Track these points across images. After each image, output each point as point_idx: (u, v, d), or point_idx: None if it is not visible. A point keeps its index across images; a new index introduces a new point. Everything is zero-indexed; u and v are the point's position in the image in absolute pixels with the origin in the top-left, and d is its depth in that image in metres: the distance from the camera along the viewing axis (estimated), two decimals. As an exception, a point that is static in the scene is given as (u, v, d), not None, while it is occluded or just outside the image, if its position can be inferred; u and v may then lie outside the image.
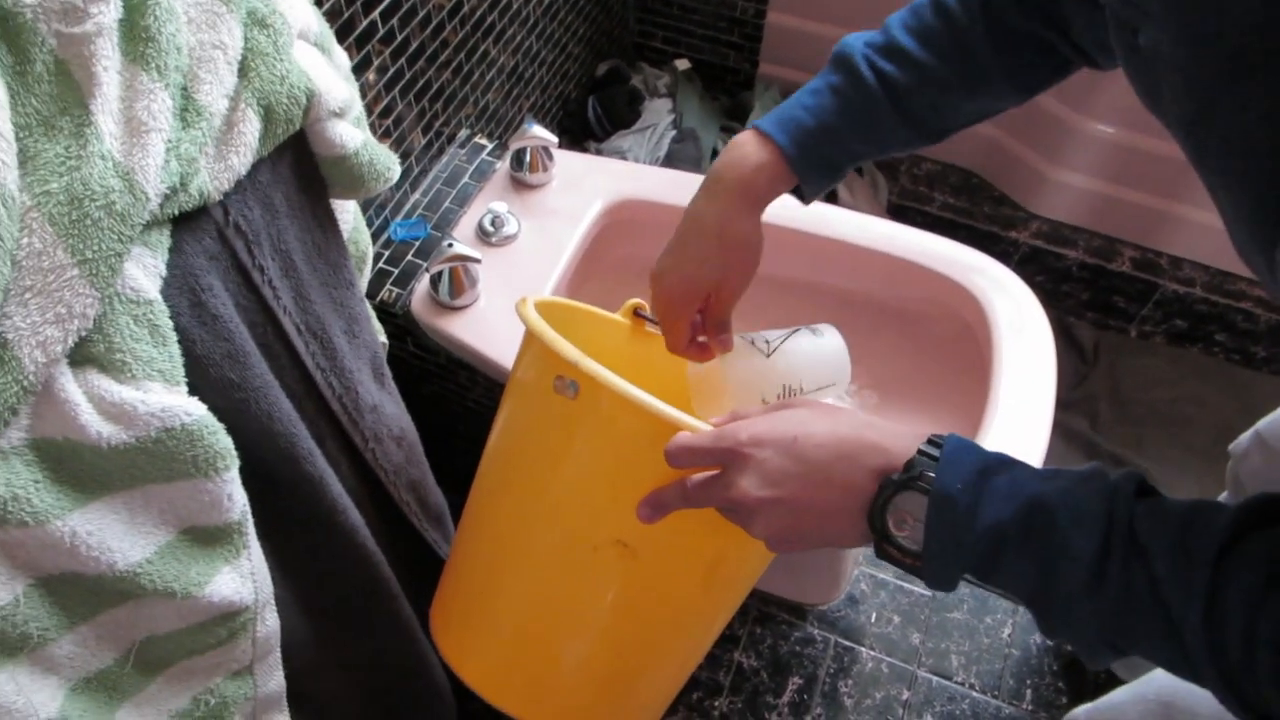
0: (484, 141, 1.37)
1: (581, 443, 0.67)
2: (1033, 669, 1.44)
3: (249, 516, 0.62)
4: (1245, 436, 1.00)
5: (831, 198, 1.73)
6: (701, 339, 0.82)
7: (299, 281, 0.71)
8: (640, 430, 0.63)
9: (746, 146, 0.75)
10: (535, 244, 1.23)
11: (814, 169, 0.75)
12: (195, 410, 0.55)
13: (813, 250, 1.24)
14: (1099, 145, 1.72)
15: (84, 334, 0.49)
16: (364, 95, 1.08)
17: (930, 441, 0.54)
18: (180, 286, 0.58)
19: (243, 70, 0.59)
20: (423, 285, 1.17)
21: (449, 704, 1.05)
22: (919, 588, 1.50)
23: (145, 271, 0.54)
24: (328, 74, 0.67)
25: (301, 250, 0.71)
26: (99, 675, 0.58)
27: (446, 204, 1.27)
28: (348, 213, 0.82)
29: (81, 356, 0.51)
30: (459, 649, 0.77)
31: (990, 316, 1.14)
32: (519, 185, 1.30)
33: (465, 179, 1.31)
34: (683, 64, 1.91)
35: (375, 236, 1.21)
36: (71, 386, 0.50)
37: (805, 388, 0.81)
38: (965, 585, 1.50)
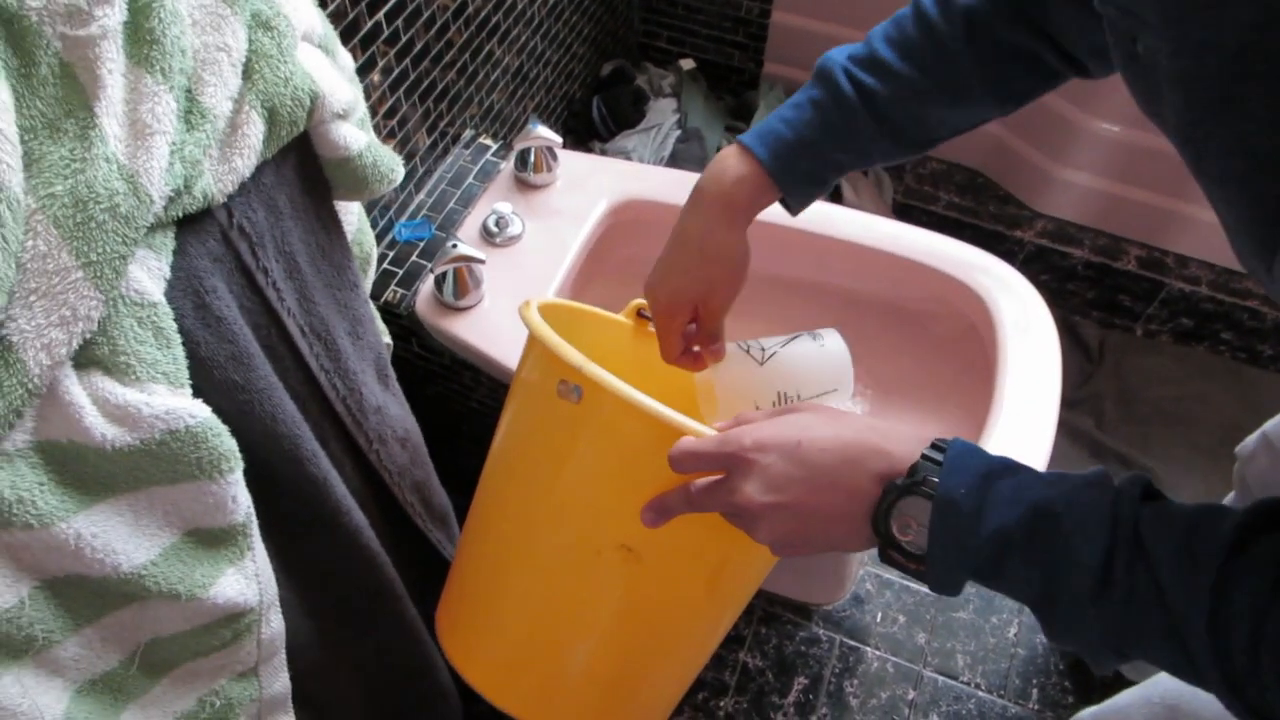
0: (489, 142, 1.37)
1: (585, 447, 0.67)
2: (1039, 668, 1.44)
3: (253, 518, 0.62)
4: (1251, 439, 1.00)
5: (836, 198, 1.73)
6: (696, 349, 0.83)
7: (303, 283, 0.71)
8: (644, 435, 0.62)
9: (728, 160, 0.77)
10: (540, 244, 1.23)
11: (795, 181, 0.76)
12: (199, 412, 0.55)
13: (818, 250, 1.24)
14: (1104, 144, 1.72)
15: (88, 336, 0.49)
16: (369, 96, 1.08)
17: (934, 446, 0.54)
18: (184, 289, 0.58)
19: (247, 72, 0.59)
20: (427, 286, 1.17)
21: (454, 705, 1.05)
22: (924, 587, 1.50)
23: (149, 274, 0.54)
24: (332, 76, 0.67)
25: (305, 252, 0.71)
26: (104, 677, 0.58)
27: (451, 204, 1.27)
28: (352, 214, 0.82)
29: (86, 359, 0.51)
30: (464, 651, 0.77)
31: (995, 316, 1.14)
32: (523, 186, 1.30)
33: (470, 179, 1.31)
34: (687, 64, 1.91)
35: (380, 237, 1.21)
36: (76, 389, 0.50)
37: (803, 395, 0.81)
38: (971, 585, 1.50)
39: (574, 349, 0.65)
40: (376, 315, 0.88)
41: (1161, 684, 0.83)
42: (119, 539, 0.54)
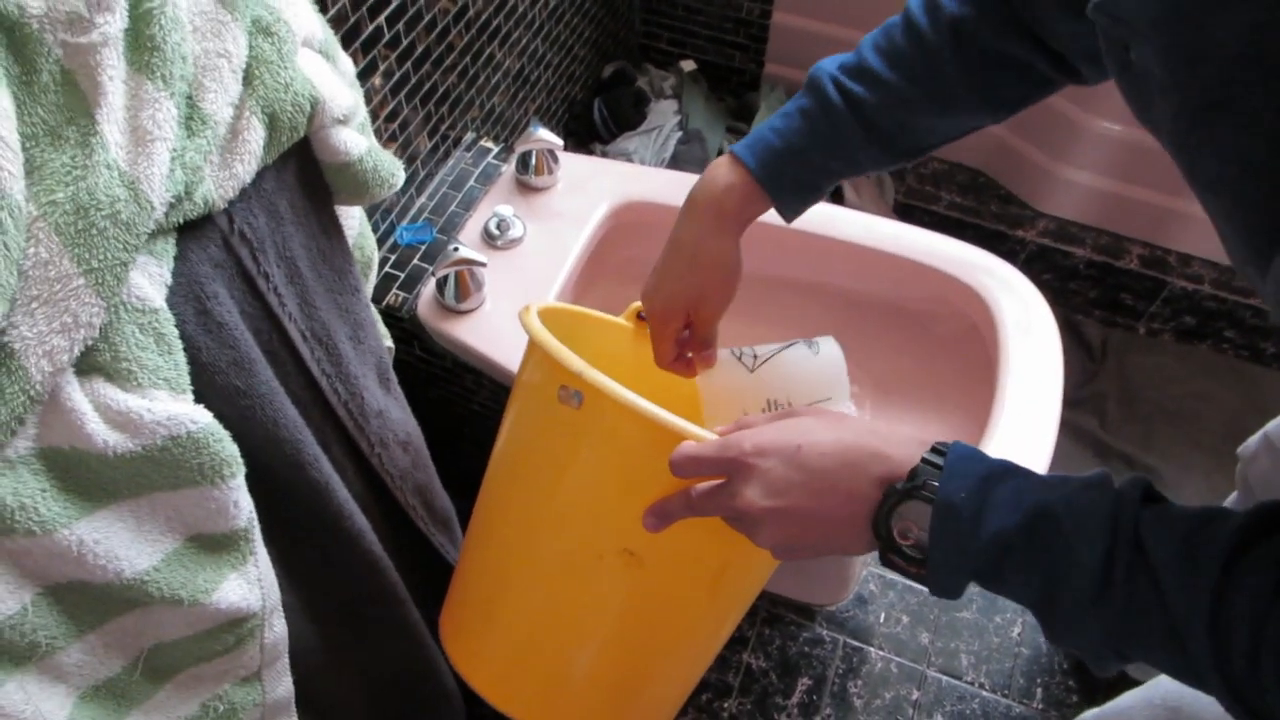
0: (489, 145, 1.37)
1: (586, 452, 0.67)
2: (1043, 668, 1.43)
3: (255, 523, 0.63)
4: (1253, 440, 1.00)
5: (838, 198, 1.73)
6: (689, 355, 0.84)
7: (304, 288, 0.71)
8: (644, 440, 0.62)
9: (719, 169, 0.78)
10: (541, 247, 1.23)
11: (785, 189, 0.77)
12: (201, 418, 0.55)
13: (819, 251, 1.24)
14: (1106, 143, 1.72)
15: (90, 343, 0.49)
16: (370, 100, 1.08)
17: (934, 449, 0.53)
18: (185, 294, 0.58)
19: (247, 78, 0.59)
20: (429, 289, 1.17)
21: (457, 708, 1.06)
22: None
23: (150, 280, 0.54)
24: (332, 81, 0.67)
25: (306, 257, 0.71)
26: (107, 683, 0.59)
27: (452, 208, 1.27)
28: (353, 219, 0.82)
29: (88, 365, 0.51)
30: (467, 655, 0.77)
31: (997, 316, 1.14)
32: (524, 188, 1.30)
33: (471, 182, 1.31)
34: (688, 65, 1.91)
35: (381, 241, 1.21)
36: (78, 395, 0.50)
37: (794, 402, 0.81)
38: (974, 585, 1.50)
39: (574, 354, 0.65)
40: (378, 319, 0.88)
41: (1163, 685, 0.83)
42: (121, 545, 0.54)
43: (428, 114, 1.23)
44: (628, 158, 1.68)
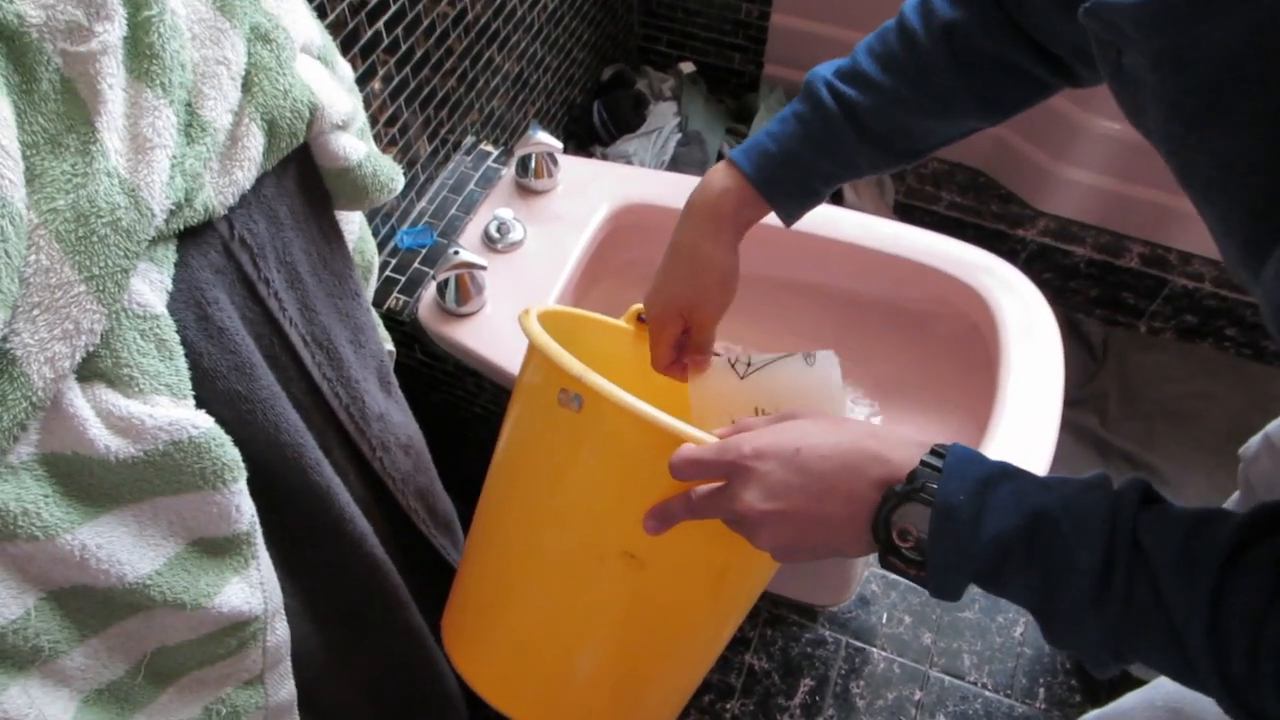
0: (489, 148, 1.37)
1: (586, 455, 0.67)
2: (1046, 667, 1.43)
3: (257, 527, 0.63)
4: (1255, 440, 1.00)
5: (837, 199, 1.73)
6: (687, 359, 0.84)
7: (304, 293, 0.71)
8: (644, 443, 0.63)
9: (716, 174, 0.79)
10: (541, 250, 1.23)
11: (781, 193, 0.78)
12: (202, 423, 0.55)
13: (820, 252, 1.24)
14: (1106, 142, 1.72)
15: (91, 349, 0.50)
16: (369, 104, 1.09)
17: (933, 451, 0.53)
18: (186, 300, 0.58)
19: (246, 85, 0.59)
20: (429, 293, 1.17)
21: (460, 711, 1.06)
22: (930, 588, 1.50)
23: (151, 286, 0.54)
24: (331, 87, 0.68)
25: (307, 262, 0.71)
26: (111, 687, 0.59)
27: (452, 211, 1.28)
28: (353, 223, 0.82)
29: (89, 371, 0.51)
30: (470, 657, 0.77)
31: (998, 317, 1.14)
32: (525, 191, 1.30)
33: (471, 186, 1.31)
34: (687, 67, 1.91)
35: (382, 245, 1.21)
36: (80, 401, 0.50)
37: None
38: (975, 586, 1.49)
39: (573, 358, 0.65)
40: (379, 323, 0.88)
41: (1164, 687, 0.83)
42: (124, 549, 0.54)
43: (427, 118, 1.23)
44: (627, 160, 1.68)
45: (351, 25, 1.00)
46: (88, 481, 0.52)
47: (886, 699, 1.40)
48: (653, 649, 0.74)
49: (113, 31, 0.49)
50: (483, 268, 1.11)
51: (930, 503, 0.51)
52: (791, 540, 0.57)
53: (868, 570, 1.51)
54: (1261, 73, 0.41)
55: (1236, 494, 1.06)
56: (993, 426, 1.03)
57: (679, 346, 0.83)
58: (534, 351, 0.72)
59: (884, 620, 1.48)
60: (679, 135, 1.75)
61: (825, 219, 1.23)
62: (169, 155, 0.52)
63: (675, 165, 1.70)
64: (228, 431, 0.58)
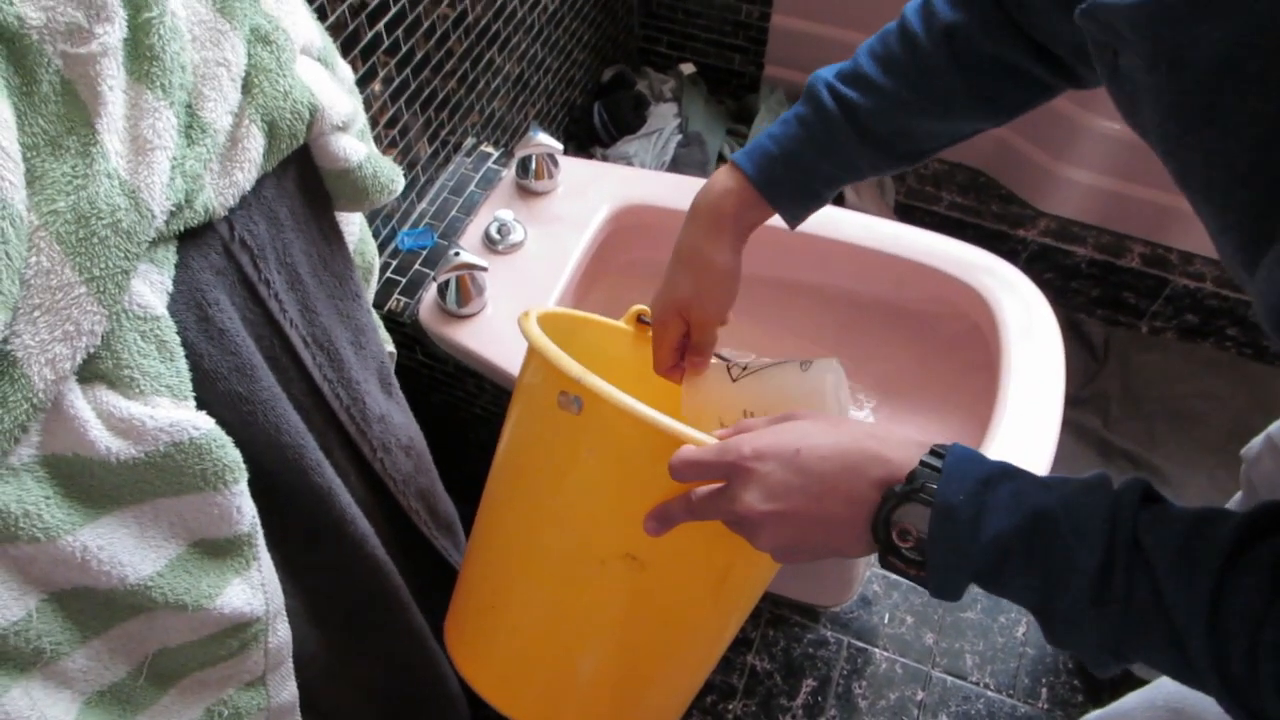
0: (490, 150, 1.37)
1: (586, 457, 0.67)
2: (1048, 667, 1.43)
3: (258, 528, 0.63)
4: (1257, 441, 0.99)
5: (838, 200, 1.73)
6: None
7: (305, 294, 0.71)
8: (644, 444, 0.63)
9: (719, 176, 0.79)
10: (542, 251, 1.23)
11: (783, 194, 0.78)
12: (203, 424, 0.55)
13: (821, 253, 1.24)
14: (1106, 142, 1.72)
15: (92, 351, 0.50)
16: (370, 106, 1.09)
17: (933, 452, 0.53)
18: (187, 302, 0.58)
19: (246, 87, 0.59)
20: (430, 294, 1.17)
21: (462, 713, 1.06)
22: (932, 589, 1.50)
23: (152, 288, 0.54)
24: (331, 88, 0.68)
25: (307, 263, 0.71)
26: (112, 689, 0.59)
27: (453, 213, 1.28)
28: (353, 224, 0.82)
29: (90, 373, 0.51)
30: (472, 659, 0.77)
31: (999, 317, 1.14)
32: (525, 193, 1.30)
33: (471, 187, 1.31)
34: (688, 68, 1.91)
35: (383, 246, 1.21)
36: (80, 403, 0.50)
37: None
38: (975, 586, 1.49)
39: (572, 360, 0.65)
40: (379, 324, 0.89)
41: (1165, 687, 0.83)
42: (125, 551, 0.54)
43: (427, 120, 1.23)
44: (628, 161, 1.69)
45: (352, 27, 1.00)
46: (89, 483, 0.52)
47: (889, 699, 1.40)
48: (654, 651, 0.74)
49: (113, 33, 0.49)
50: (483, 269, 1.11)
51: (930, 503, 0.51)
52: (792, 541, 0.57)
53: (869, 571, 1.51)
54: (1261, 73, 0.41)
55: (1239, 495, 1.06)
56: (994, 427, 1.03)
57: (681, 349, 0.83)
58: (533, 354, 0.72)
59: (886, 621, 1.48)
60: (679, 136, 1.75)
61: (826, 219, 1.23)
62: (169, 157, 0.52)
63: (676, 166, 1.71)
64: (229, 433, 0.58)
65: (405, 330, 1.18)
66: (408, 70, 1.14)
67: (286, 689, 0.72)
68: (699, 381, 0.83)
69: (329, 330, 0.75)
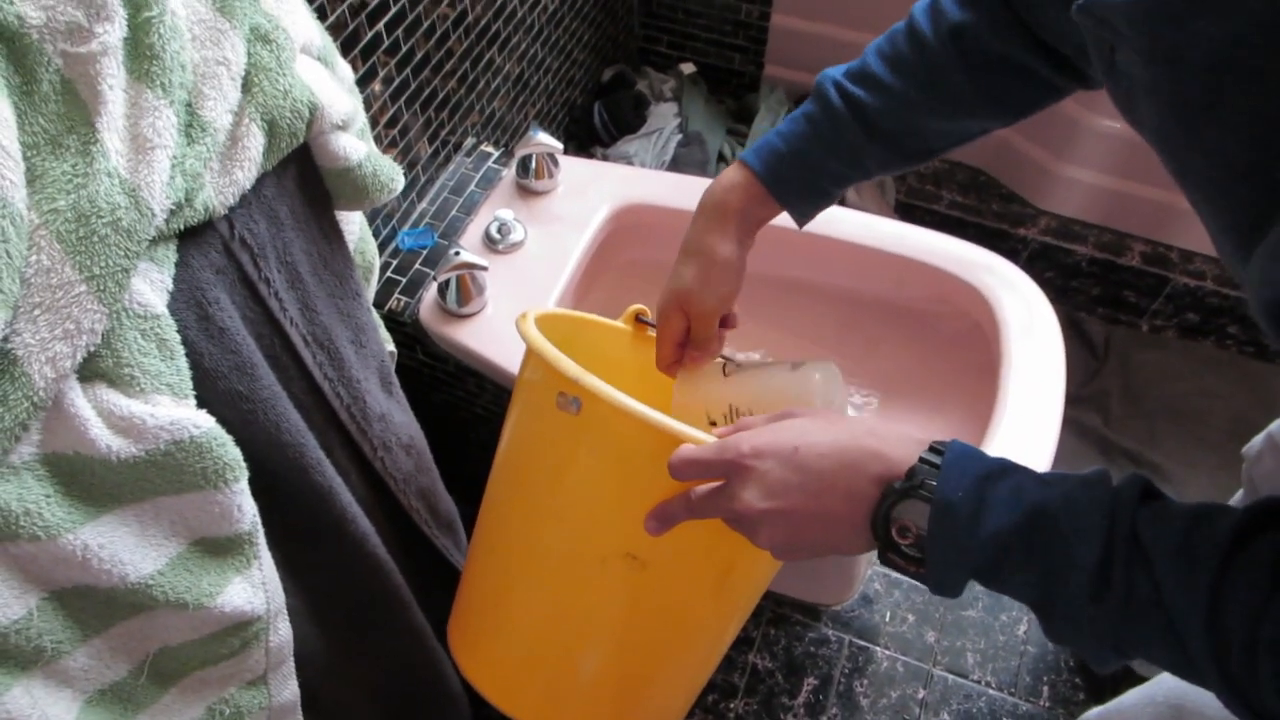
0: (490, 149, 1.37)
1: (586, 457, 0.67)
2: (1049, 665, 1.43)
3: (259, 527, 0.63)
4: (1258, 439, 0.99)
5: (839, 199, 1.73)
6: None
7: (305, 293, 0.71)
8: (643, 444, 0.63)
9: (727, 172, 0.79)
10: (542, 250, 1.23)
11: (791, 191, 0.78)
12: (204, 423, 0.55)
13: (821, 251, 1.24)
14: (1107, 140, 1.72)
15: (92, 349, 0.50)
16: (370, 106, 1.09)
17: (932, 448, 0.53)
18: (187, 300, 0.58)
19: (246, 86, 0.59)
20: (430, 293, 1.17)
21: (464, 712, 1.06)
22: (933, 587, 1.50)
23: (152, 286, 0.54)
24: (330, 87, 0.68)
25: (307, 262, 0.71)
26: (113, 687, 0.59)
27: (453, 212, 1.28)
28: (353, 224, 0.82)
29: (90, 371, 0.51)
30: (474, 659, 0.77)
31: (999, 315, 1.14)
32: (525, 192, 1.30)
33: (472, 187, 1.31)
34: (688, 68, 1.91)
35: (383, 246, 1.21)
36: (81, 401, 0.51)
37: (755, 414, 0.81)
38: (975, 583, 1.49)
39: (571, 361, 0.65)
40: (379, 323, 0.89)
41: (1165, 683, 0.83)
42: (126, 549, 0.54)
43: (428, 119, 1.23)
44: (628, 161, 1.69)
45: (352, 27, 1.00)
46: (89, 481, 0.52)
47: (890, 698, 1.40)
48: (656, 650, 0.74)
49: (113, 32, 0.49)
50: (484, 268, 1.11)
51: (929, 499, 0.51)
52: (791, 538, 0.57)
53: (870, 569, 1.51)
54: (1260, 69, 0.41)
55: (1240, 493, 1.05)
56: (994, 425, 1.03)
57: (684, 344, 0.83)
58: (531, 355, 0.72)
59: (887, 619, 1.48)
60: (679, 136, 1.75)
61: (826, 218, 1.23)
62: (169, 155, 0.52)
63: (676, 166, 1.71)
64: (229, 431, 0.58)
65: (406, 330, 1.18)
66: (408, 70, 1.14)
67: (288, 688, 0.72)
68: (691, 376, 0.83)
69: (329, 329, 0.75)
